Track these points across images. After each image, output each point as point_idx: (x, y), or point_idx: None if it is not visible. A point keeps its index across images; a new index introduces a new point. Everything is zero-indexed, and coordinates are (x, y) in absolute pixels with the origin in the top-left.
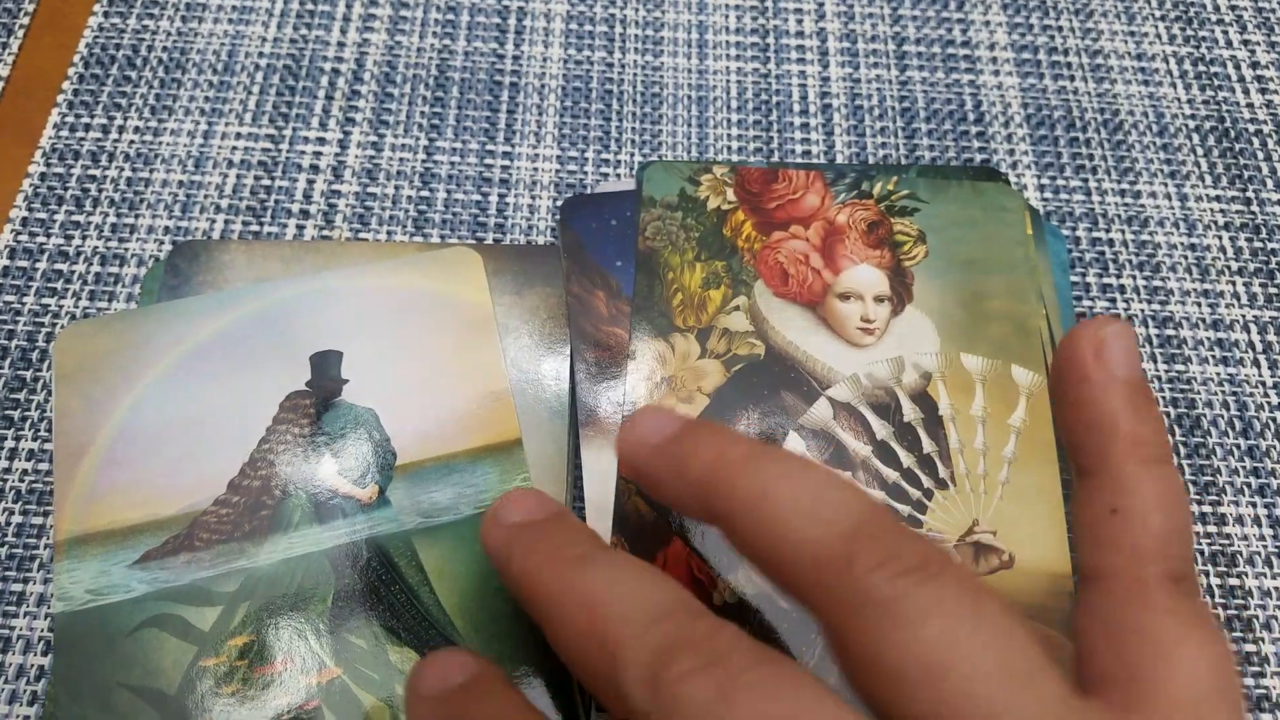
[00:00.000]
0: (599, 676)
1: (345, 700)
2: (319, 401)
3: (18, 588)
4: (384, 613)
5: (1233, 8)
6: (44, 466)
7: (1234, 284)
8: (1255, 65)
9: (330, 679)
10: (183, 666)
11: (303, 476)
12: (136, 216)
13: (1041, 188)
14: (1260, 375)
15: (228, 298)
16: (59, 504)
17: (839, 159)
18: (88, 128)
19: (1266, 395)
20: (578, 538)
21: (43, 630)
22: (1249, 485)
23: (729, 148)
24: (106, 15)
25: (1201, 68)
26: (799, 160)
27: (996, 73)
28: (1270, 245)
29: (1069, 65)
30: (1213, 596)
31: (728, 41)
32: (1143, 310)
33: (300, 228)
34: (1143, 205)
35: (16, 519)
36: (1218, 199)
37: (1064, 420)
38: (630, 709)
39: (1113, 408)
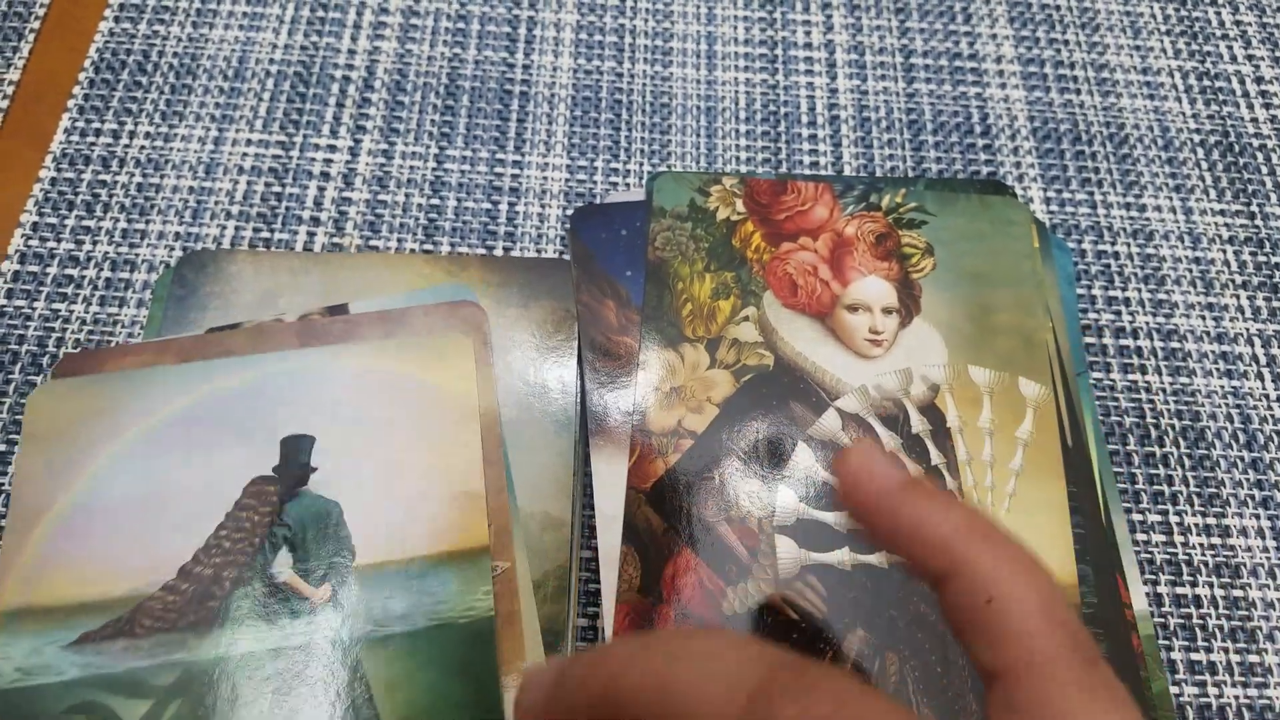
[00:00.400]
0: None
1: None
2: (284, 489)
3: None
4: None
5: (1238, 23)
6: None
7: (1238, 297)
8: (1260, 80)
9: None
10: None
11: (255, 569)
12: (147, 222)
13: (1047, 201)
14: (1264, 388)
15: (209, 369)
16: (2, 573)
17: (846, 171)
18: (98, 133)
19: (1270, 408)
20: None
21: None
22: (1253, 497)
23: (737, 158)
24: (117, 21)
25: (1206, 82)
26: (807, 171)
27: (1003, 86)
28: (1274, 259)
29: (1075, 79)
30: (1216, 608)
31: (736, 53)
32: (1147, 323)
33: (311, 235)
34: (1148, 219)
35: None
36: (1222, 213)
37: (893, 547)
38: None
39: (918, 513)
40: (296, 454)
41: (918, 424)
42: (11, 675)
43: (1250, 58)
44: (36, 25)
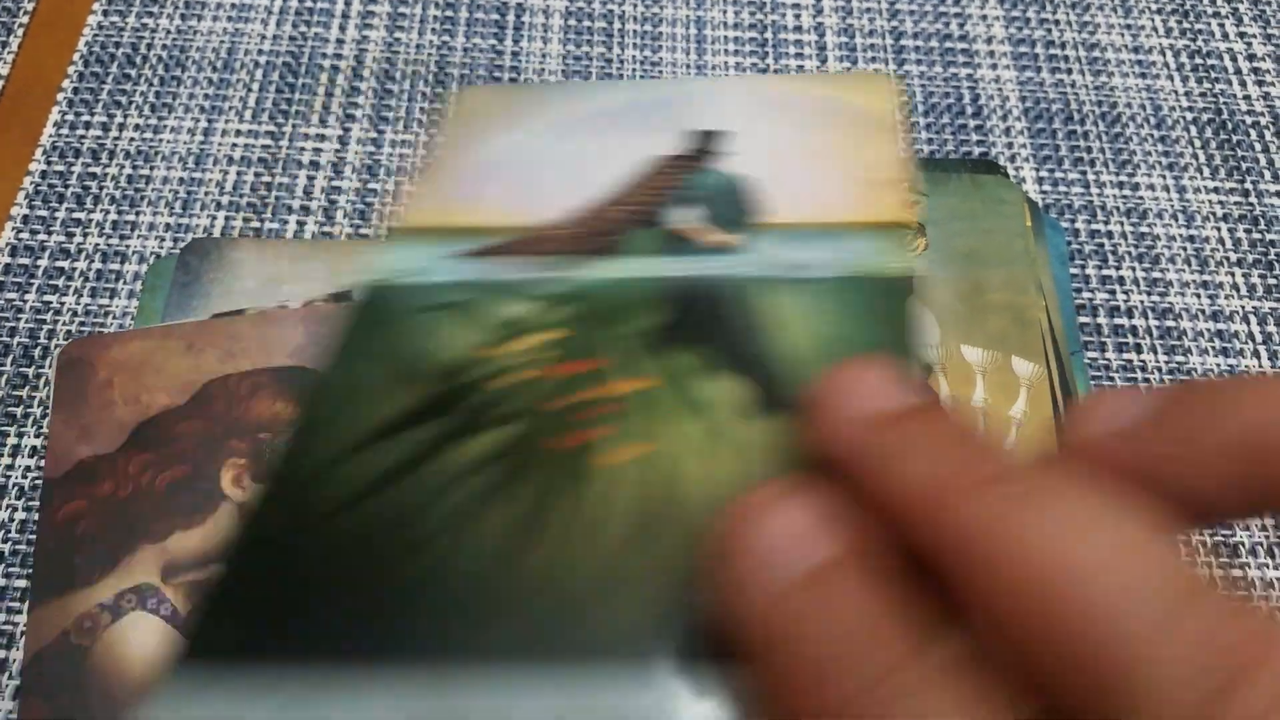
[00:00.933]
0: (1087, 684)
1: (650, 411)
2: (692, 165)
3: (20, 584)
4: (716, 345)
5: (1228, 0)
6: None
7: (1233, 275)
8: (1252, 57)
9: (642, 388)
10: (466, 351)
11: (662, 215)
12: (137, 214)
13: (1040, 180)
14: (1260, 366)
15: (636, 84)
16: (406, 203)
17: None
18: (88, 125)
19: None
20: (987, 448)
21: None
22: None
23: None
24: (106, 13)
25: (1198, 60)
26: None
27: (994, 66)
28: (1269, 236)
29: (1066, 59)
30: (1215, 587)
31: (726, 37)
32: (1142, 302)
33: (301, 224)
34: (1141, 197)
35: (20, 515)
36: (1216, 191)
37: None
38: None
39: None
40: (711, 142)
41: None
42: (389, 274)
43: (1242, 35)
44: (25, 19)
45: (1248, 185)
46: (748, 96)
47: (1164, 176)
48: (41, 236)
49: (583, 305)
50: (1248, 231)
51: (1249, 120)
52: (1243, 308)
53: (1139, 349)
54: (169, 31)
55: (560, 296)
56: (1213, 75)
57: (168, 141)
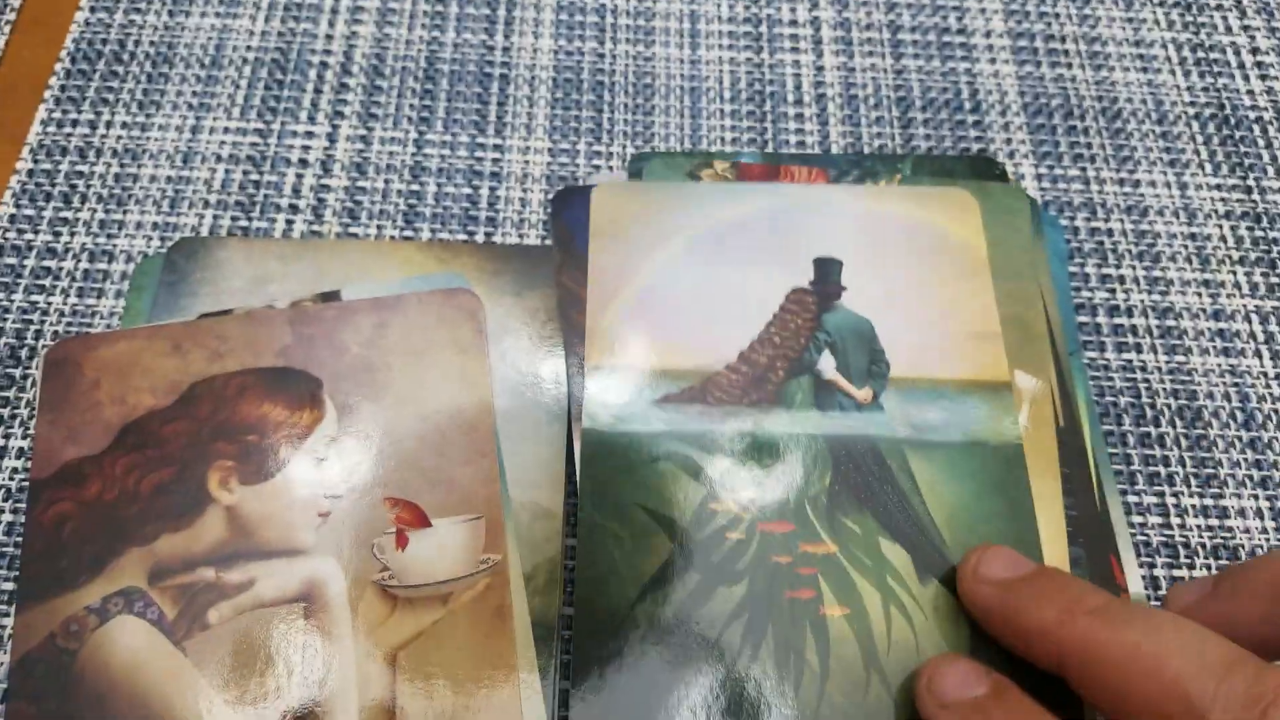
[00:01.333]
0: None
1: (839, 576)
2: (820, 301)
3: (8, 586)
4: (877, 508)
5: None
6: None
7: (1235, 273)
8: (1255, 51)
9: (826, 553)
10: (694, 504)
11: (805, 364)
12: (125, 212)
13: (1039, 177)
14: (1262, 366)
15: (743, 191)
16: (590, 337)
17: (834, 149)
18: (75, 123)
19: (1269, 386)
20: (1089, 589)
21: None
22: (1251, 477)
23: (722, 138)
24: (93, 10)
25: (1201, 54)
26: (794, 151)
27: (993, 60)
28: (1271, 234)
29: (1066, 53)
30: None
31: (720, 31)
32: (1142, 301)
33: (289, 222)
34: (1142, 194)
35: (7, 517)
36: (1218, 187)
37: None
38: None
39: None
40: (828, 273)
41: None
42: (609, 421)
43: (1246, 28)
44: (12, 17)
45: (1250, 182)
46: (852, 216)
47: (1165, 173)
48: (28, 236)
49: (767, 464)
50: (1250, 229)
51: (1252, 115)
52: (1244, 306)
53: (1139, 348)
54: (156, 28)
55: (749, 455)
56: (1215, 70)
57: (155, 139)
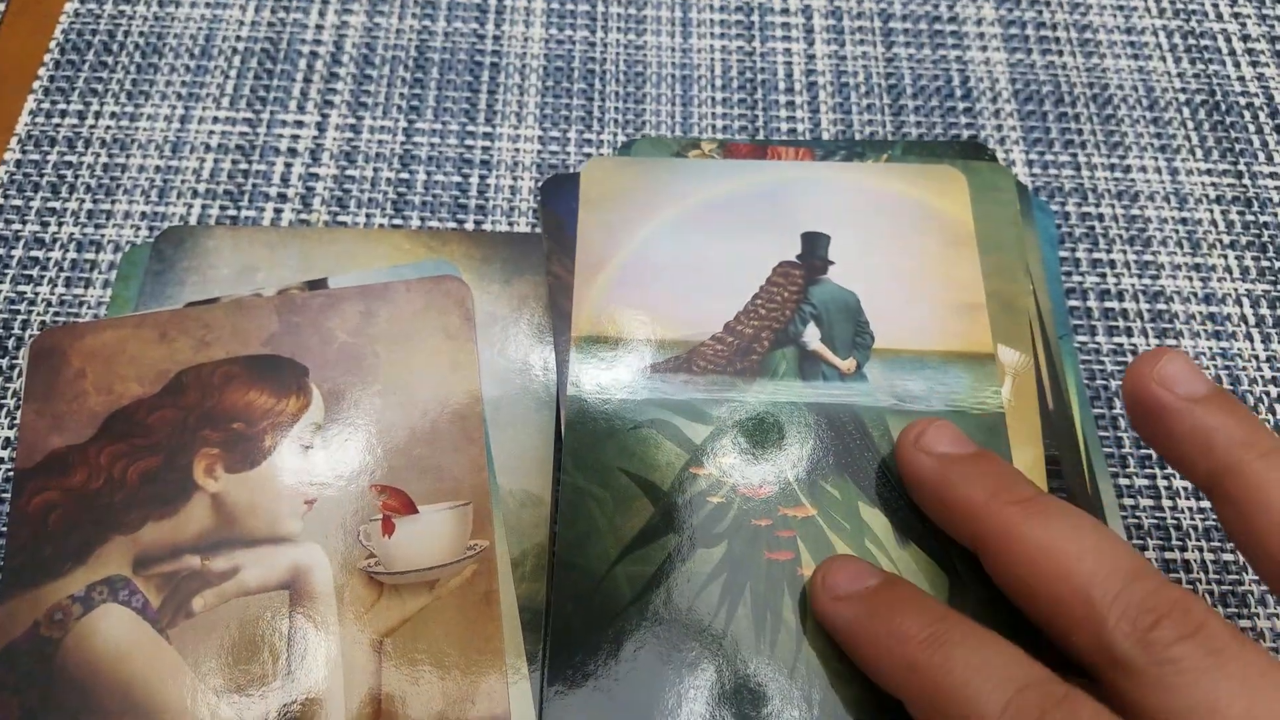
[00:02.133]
0: (1071, 621)
1: (817, 538)
2: (807, 275)
3: None
4: (857, 473)
5: None
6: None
7: (1225, 258)
8: (1246, 38)
9: (805, 516)
10: (675, 469)
11: (789, 336)
12: (113, 202)
13: (1030, 163)
14: (1253, 349)
15: (733, 168)
16: (577, 307)
17: (825, 137)
18: (64, 114)
19: (1260, 369)
20: (1020, 480)
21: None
22: None
23: (714, 126)
24: (83, 1)
25: (1191, 41)
26: (784, 138)
27: (984, 48)
28: (1262, 219)
29: (1057, 40)
30: (1206, 572)
31: (711, 19)
32: (1133, 285)
33: (278, 211)
34: (1133, 180)
35: None
36: (1208, 173)
37: (1175, 457)
38: (1115, 656)
39: (1209, 425)
40: (815, 247)
41: None
42: (593, 388)
43: (1236, 15)
44: (1, 7)
45: (1240, 167)
46: (841, 192)
47: (1156, 159)
48: (16, 226)
49: (749, 430)
50: (1240, 214)
51: (1242, 102)
52: (1235, 290)
53: (1129, 332)
54: (146, 18)
55: (731, 422)
56: (1206, 56)
57: (144, 129)
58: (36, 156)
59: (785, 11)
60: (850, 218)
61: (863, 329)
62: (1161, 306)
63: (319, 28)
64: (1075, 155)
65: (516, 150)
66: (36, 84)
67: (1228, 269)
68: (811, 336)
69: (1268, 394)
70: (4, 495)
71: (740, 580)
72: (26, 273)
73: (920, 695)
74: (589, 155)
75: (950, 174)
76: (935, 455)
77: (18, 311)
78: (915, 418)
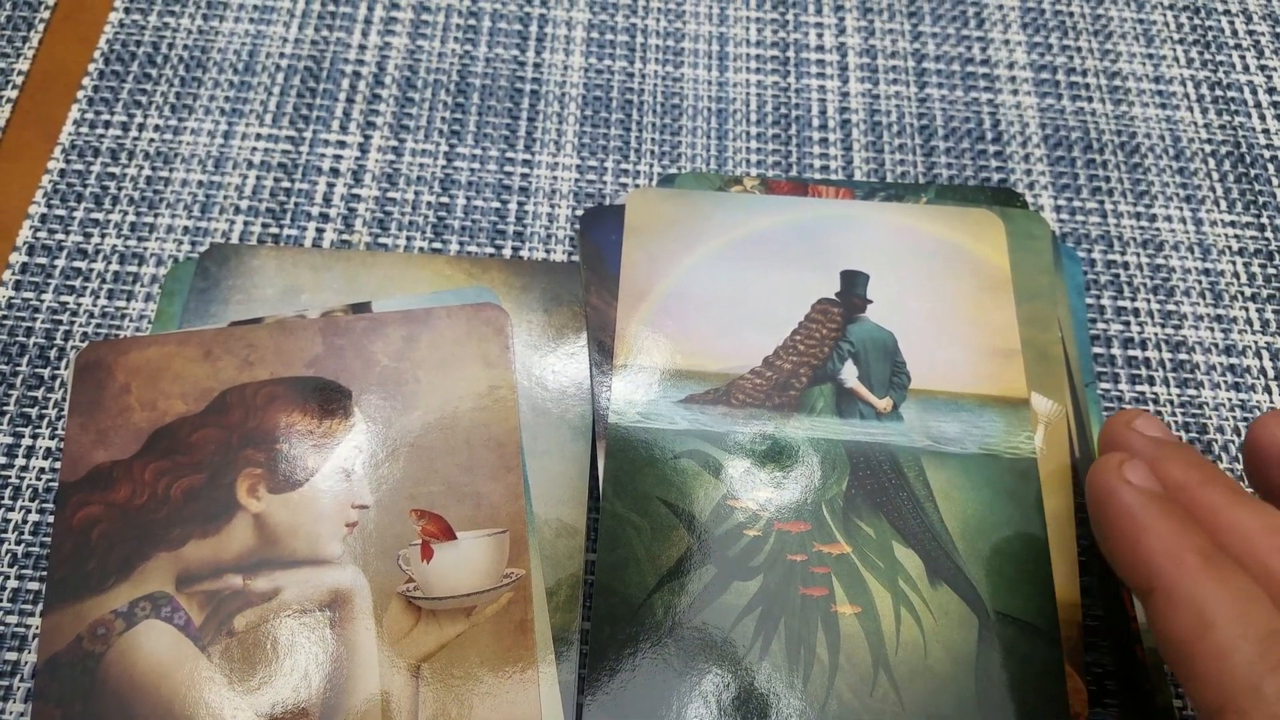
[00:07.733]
0: (1200, 647)
1: (851, 575)
2: (846, 312)
3: (33, 586)
4: (891, 512)
5: (1250, 32)
6: (60, 465)
7: (1247, 310)
8: (1272, 91)
9: (840, 553)
10: (713, 500)
11: (827, 373)
12: (156, 216)
13: (1058, 209)
14: (1271, 401)
15: (775, 204)
16: (620, 336)
17: (857, 175)
18: (108, 124)
19: None
20: (1200, 532)
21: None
22: None
23: (748, 160)
24: (128, 11)
25: (1219, 92)
26: (818, 175)
27: (1015, 92)
28: None
29: (1087, 86)
30: None
31: (748, 54)
32: (1156, 334)
33: (320, 231)
34: (1158, 229)
35: (34, 517)
36: (1233, 224)
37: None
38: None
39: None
40: (854, 286)
41: None
42: (635, 417)
43: (1263, 68)
44: (46, 15)
45: (1264, 220)
46: (880, 231)
47: (1181, 208)
48: (59, 236)
49: (786, 465)
50: (1263, 266)
51: (1267, 154)
52: (1256, 343)
53: (1152, 381)
54: (190, 31)
55: (769, 456)
56: (1232, 108)
57: (187, 143)
58: (80, 167)
59: (820, 49)
60: (889, 258)
61: (899, 369)
62: (1184, 356)
63: (361, 48)
64: (1103, 203)
65: (555, 178)
66: (81, 93)
67: (1249, 321)
68: (849, 374)
69: None
70: (47, 506)
71: (775, 614)
72: (69, 283)
73: (1185, 597)
74: (625, 185)
75: (989, 219)
76: (1140, 490)
77: (60, 322)
78: (949, 459)
